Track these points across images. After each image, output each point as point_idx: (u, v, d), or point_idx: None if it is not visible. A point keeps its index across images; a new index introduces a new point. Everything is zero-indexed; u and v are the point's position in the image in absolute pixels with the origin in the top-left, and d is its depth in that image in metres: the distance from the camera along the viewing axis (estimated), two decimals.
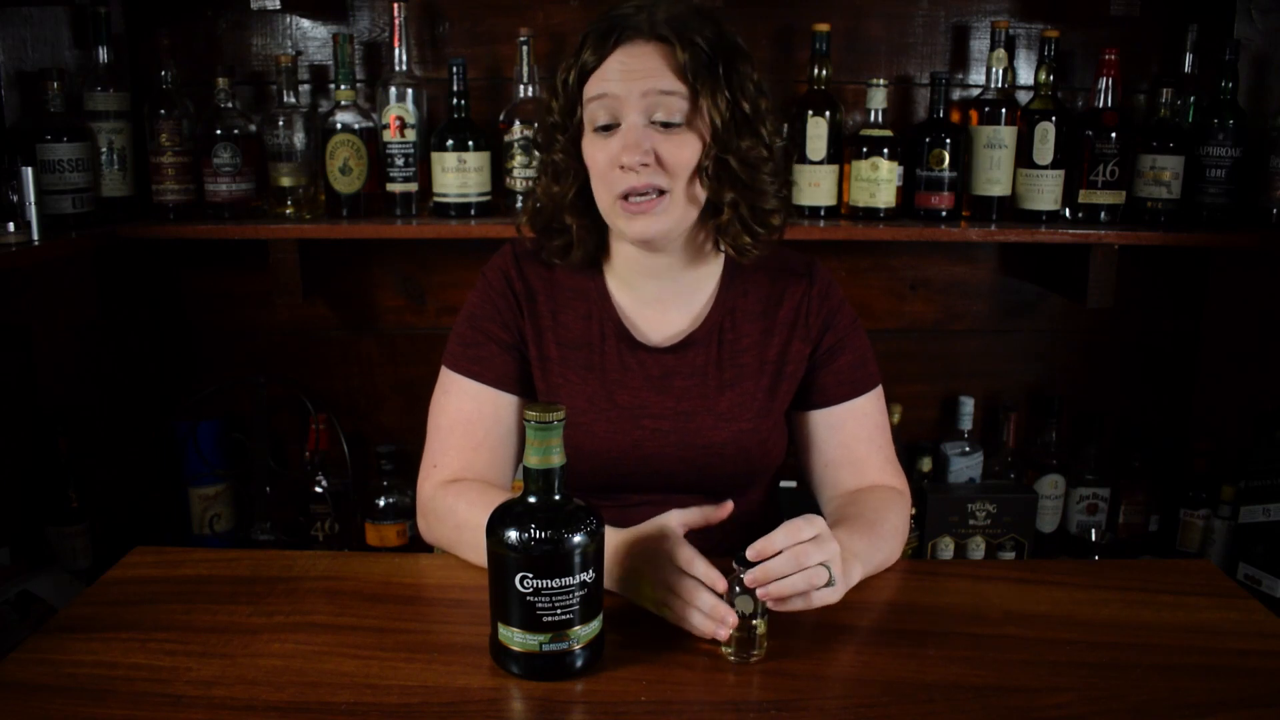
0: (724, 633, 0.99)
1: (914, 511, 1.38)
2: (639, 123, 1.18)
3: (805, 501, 1.37)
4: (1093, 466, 2.21)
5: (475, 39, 2.09)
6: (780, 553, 1.00)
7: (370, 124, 1.97)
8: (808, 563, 1.00)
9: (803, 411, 1.35)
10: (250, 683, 0.96)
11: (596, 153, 1.21)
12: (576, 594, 0.94)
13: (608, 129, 1.20)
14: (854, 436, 1.33)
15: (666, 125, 1.18)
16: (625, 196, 1.19)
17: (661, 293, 1.31)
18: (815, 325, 1.33)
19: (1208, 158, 1.95)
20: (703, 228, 1.27)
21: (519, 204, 1.97)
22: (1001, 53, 1.96)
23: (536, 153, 1.31)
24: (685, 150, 1.19)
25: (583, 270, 1.33)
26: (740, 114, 1.20)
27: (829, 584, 1.03)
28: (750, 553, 1.00)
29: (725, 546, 1.10)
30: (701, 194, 1.22)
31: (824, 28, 1.96)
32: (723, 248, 1.29)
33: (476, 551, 1.13)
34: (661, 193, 1.19)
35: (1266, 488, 2.02)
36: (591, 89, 1.20)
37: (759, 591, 0.99)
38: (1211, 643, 1.05)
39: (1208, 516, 2.13)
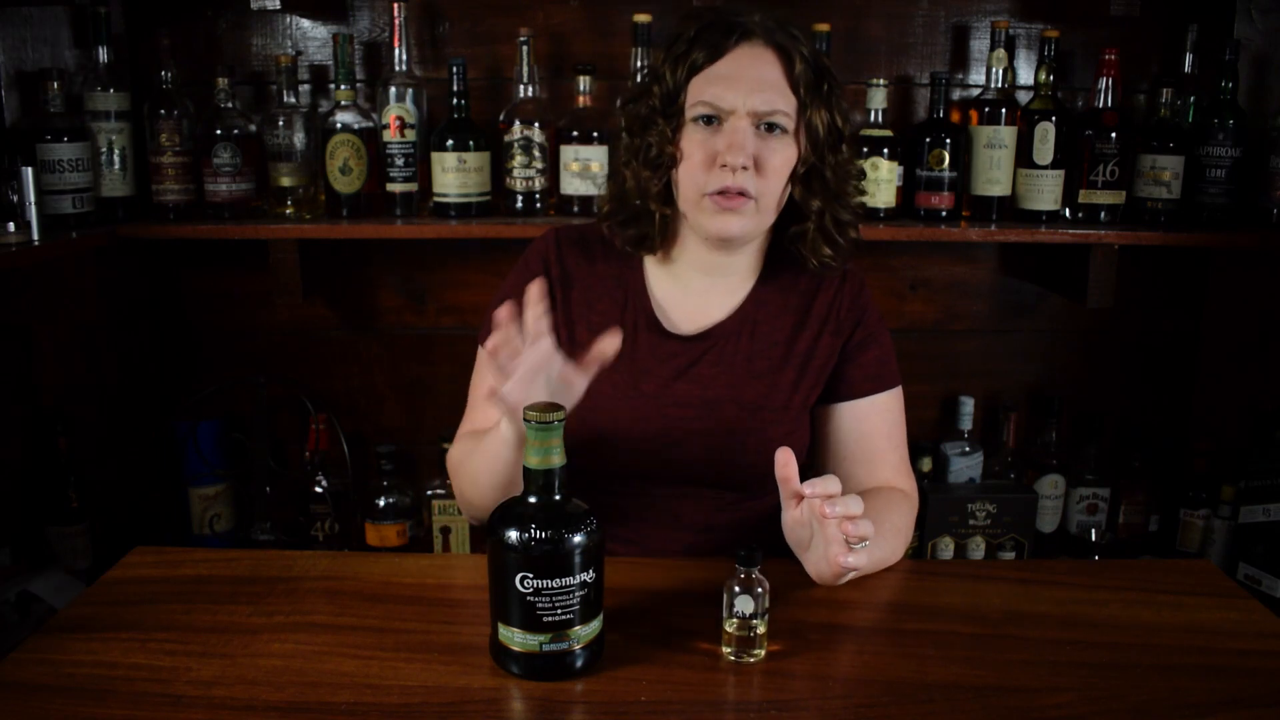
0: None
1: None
2: (746, 126, 1.20)
3: None
4: (1093, 466, 2.21)
5: (475, 39, 2.09)
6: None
7: (370, 124, 1.97)
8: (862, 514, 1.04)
9: (826, 405, 1.35)
10: (250, 683, 0.96)
11: (695, 146, 1.22)
12: (576, 594, 0.94)
13: (709, 121, 1.21)
14: (874, 431, 1.34)
15: (770, 128, 1.21)
16: (717, 193, 1.21)
17: (708, 287, 1.34)
18: (848, 320, 1.34)
19: (1208, 158, 1.95)
20: (770, 237, 1.32)
21: (519, 203, 1.97)
22: (1001, 53, 1.96)
23: (626, 138, 1.30)
24: (782, 156, 1.22)
25: (624, 259, 1.35)
26: (836, 130, 1.24)
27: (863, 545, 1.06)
28: (809, 488, 1.03)
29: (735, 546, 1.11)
30: (783, 201, 1.26)
31: (824, 28, 1.96)
32: (805, 256, 1.31)
33: (483, 464, 1.19)
34: (753, 196, 1.22)
35: (1266, 488, 2.02)
36: (702, 88, 1.21)
37: (829, 512, 1.01)
38: (1211, 643, 1.05)
39: (1208, 516, 2.13)
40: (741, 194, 1.21)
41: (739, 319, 1.33)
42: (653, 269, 1.36)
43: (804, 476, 1.20)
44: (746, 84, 1.20)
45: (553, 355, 1.06)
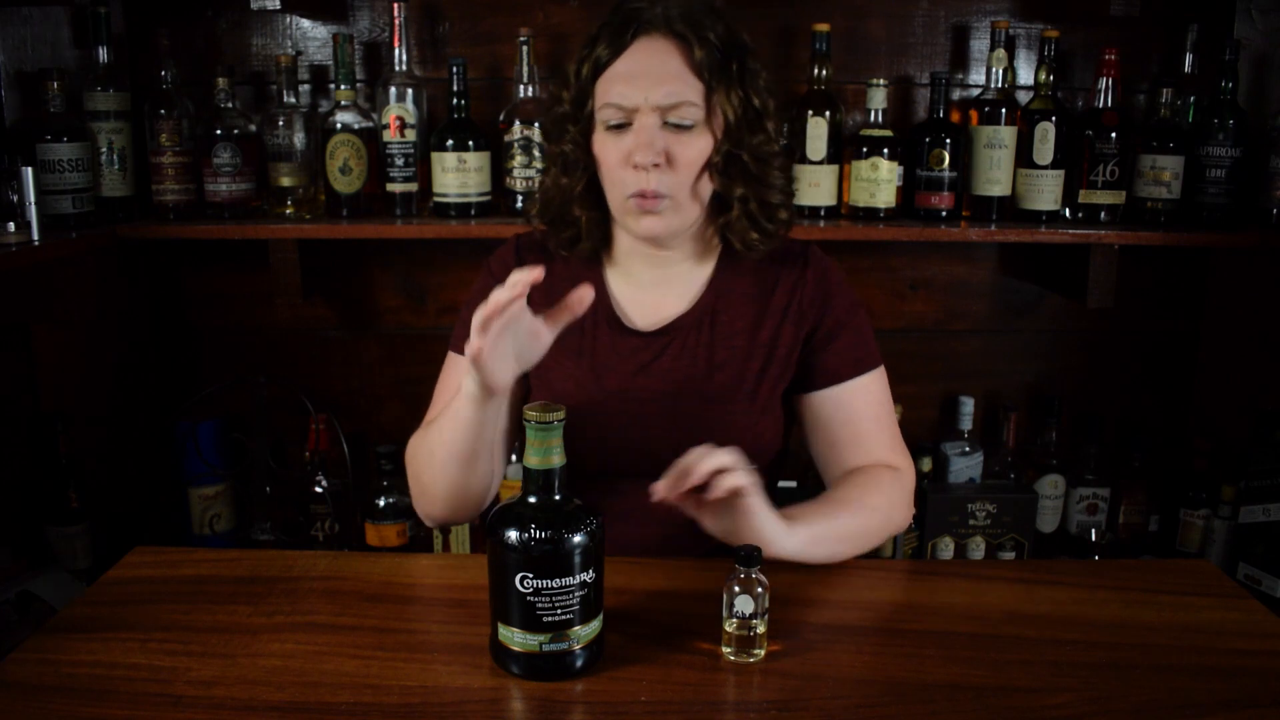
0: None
1: (915, 512, 1.37)
2: (653, 123, 1.19)
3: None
4: (1093, 466, 2.21)
5: (475, 39, 2.09)
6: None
7: (370, 124, 1.97)
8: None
9: (806, 394, 1.34)
10: (250, 683, 0.96)
11: (609, 150, 1.22)
12: (576, 594, 0.94)
13: (621, 127, 1.21)
14: (858, 414, 1.33)
15: (679, 126, 1.20)
16: (636, 195, 1.21)
17: (660, 280, 1.33)
18: (811, 311, 1.32)
19: (1208, 158, 1.95)
20: (710, 223, 1.30)
21: (519, 203, 1.97)
22: (1001, 53, 1.96)
23: (545, 143, 1.32)
24: (696, 149, 1.21)
25: (584, 261, 1.35)
26: (752, 110, 1.22)
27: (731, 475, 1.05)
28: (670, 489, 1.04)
29: (710, 538, 1.12)
30: (708, 191, 1.24)
31: (824, 28, 1.96)
32: (733, 242, 1.30)
33: (442, 436, 1.18)
34: (670, 195, 1.21)
35: (1266, 488, 2.02)
36: (606, 88, 1.21)
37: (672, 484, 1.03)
38: (1211, 643, 1.05)
39: (1208, 516, 2.13)
40: (656, 195, 1.20)
41: (699, 311, 1.32)
42: (612, 270, 1.36)
43: (790, 478, 1.21)
44: (647, 79, 1.18)
45: (522, 311, 1.06)
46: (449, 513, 1.27)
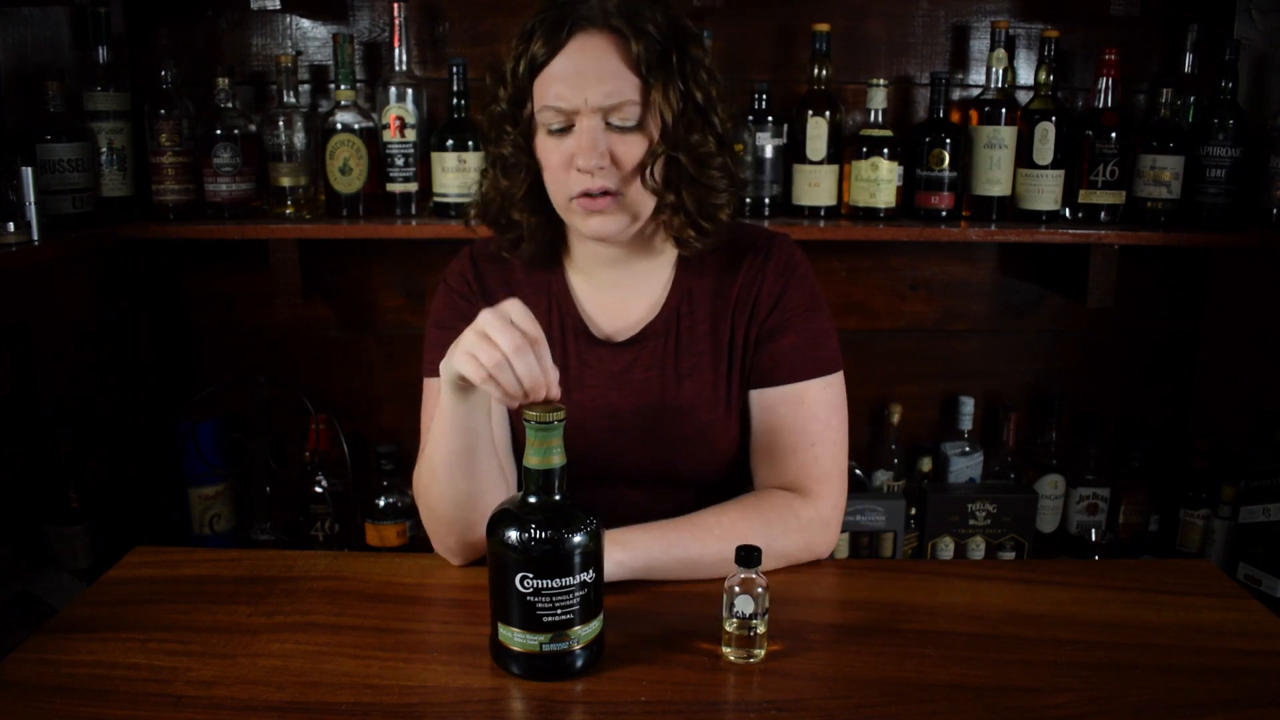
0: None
1: (830, 548, 1.26)
2: (595, 125, 1.14)
3: None
4: (1093, 466, 2.21)
5: (475, 39, 2.09)
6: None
7: (370, 124, 1.97)
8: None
9: (746, 390, 1.28)
10: (250, 683, 0.96)
11: (550, 153, 1.18)
12: (576, 594, 0.94)
13: (562, 131, 1.16)
14: (780, 425, 1.24)
15: (622, 128, 1.16)
16: (580, 196, 1.17)
17: (619, 279, 1.29)
18: (764, 301, 1.26)
19: (1208, 158, 1.95)
20: (656, 219, 1.24)
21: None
22: (1001, 53, 1.96)
23: (482, 144, 1.26)
24: (639, 147, 1.16)
25: (542, 265, 1.31)
26: (693, 105, 1.17)
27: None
28: None
29: None
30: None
31: (824, 28, 1.96)
32: (669, 240, 1.26)
33: (440, 448, 1.14)
34: (617, 193, 1.17)
35: (1266, 488, 2.02)
36: (544, 89, 1.16)
37: None
38: (1211, 643, 1.05)
39: (1208, 516, 2.13)
40: (605, 193, 1.16)
41: (666, 315, 1.28)
42: (573, 273, 1.31)
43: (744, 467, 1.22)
44: (585, 79, 1.14)
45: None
46: (461, 532, 1.19)
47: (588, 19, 1.14)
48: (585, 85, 1.14)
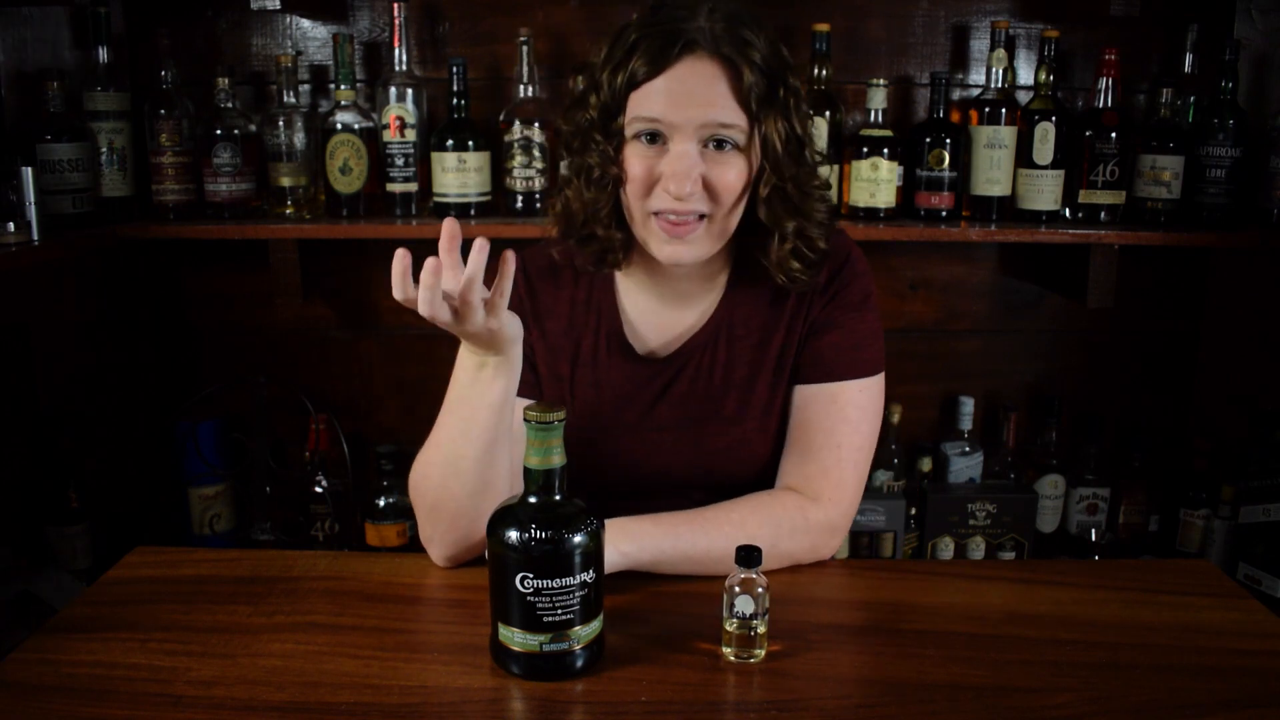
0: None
1: (832, 554, 1.26)
2: (692, 150, 1.12)
3: None
4: (1093, 466, 2.21)
5: (475, 39, 2.09)
6: None
7: (370, 124, 1.97)
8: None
9: (791, 386, 1.27)
10: (250, 683, 0.96)
11: (637, 163, 1.14)
12: (576, 594, 0.94)
13: (653, 139, 1.14)
14: (810, 422, 1.23)
15: (720, 144, 1.13)
16: (663, 214, 1.14)
17: (673, 295, 1.28)
18: (819, 296, 1.25)
19: (1208, 158, 1.95)
20: (727, 247, 1.23)
21: (519, 203, 1.97)
22: (1001, 53, 1.96)
23: (564, 151, 1.23)
24: (733, 174, 1.14)
25: (594, 280, 1.29)
26: (795, 138, 1.16)
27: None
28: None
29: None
30: (736, 219, 1.18)
31: (824, 28, 1.96)
32: (772, 273, 1.22)
33: (458, 428, 1.12)
34: (702, 217, 1.15)
35: (1266, 488, 2.02)
36: (642, 103, 1.13)
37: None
38: (1211, 643, 1.05)
39: (1208, 516, 2.13)
40: (694, 216, 1.14)
41: (712, 328, 1.27)
42: (624, 285, 1.30)
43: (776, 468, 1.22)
44: (692, 100, 1.11)
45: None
46: (466, 526, 1.15)
47: (697, 42, 1.11)
48: (689, 107, 1.11)
